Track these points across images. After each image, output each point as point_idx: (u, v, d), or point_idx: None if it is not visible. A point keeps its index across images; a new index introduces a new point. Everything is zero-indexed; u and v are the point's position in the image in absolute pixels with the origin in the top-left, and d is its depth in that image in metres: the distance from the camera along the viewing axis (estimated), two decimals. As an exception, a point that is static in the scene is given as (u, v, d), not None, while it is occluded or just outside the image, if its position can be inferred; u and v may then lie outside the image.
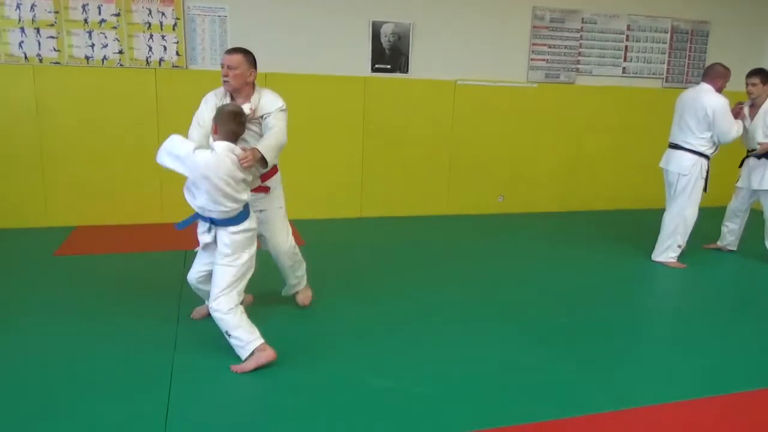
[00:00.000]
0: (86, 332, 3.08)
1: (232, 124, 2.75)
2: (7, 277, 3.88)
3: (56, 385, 2.56)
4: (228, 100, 3.06)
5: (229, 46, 5.28)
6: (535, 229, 5.76)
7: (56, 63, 4.89)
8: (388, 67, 5.70)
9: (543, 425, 2.40)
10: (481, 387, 2.68)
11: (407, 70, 5.76)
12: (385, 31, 5.62)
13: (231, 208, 2.71)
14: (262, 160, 2.88)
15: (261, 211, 3.20)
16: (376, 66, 5.67)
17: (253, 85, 3.10)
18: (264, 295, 3.53)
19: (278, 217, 3.30)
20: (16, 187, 4.98)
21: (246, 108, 2.94)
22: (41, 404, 2.40)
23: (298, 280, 3.52)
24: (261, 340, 2.73)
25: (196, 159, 2.61)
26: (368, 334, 3.21)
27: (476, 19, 5.88)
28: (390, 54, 5.67)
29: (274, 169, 3.23)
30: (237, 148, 2.75)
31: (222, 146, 2.68)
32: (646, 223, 5.64)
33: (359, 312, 3.51)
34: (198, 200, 2.70)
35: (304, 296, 3.57)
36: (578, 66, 6.31)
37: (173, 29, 5.06)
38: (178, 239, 3.71)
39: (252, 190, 3.02)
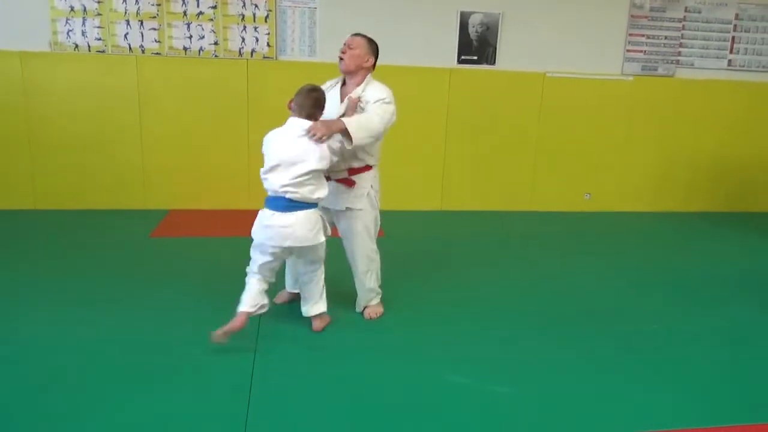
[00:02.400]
0: (177, 308, 3.25)
1: (306, 99, 2.78)
2: (108, 254, 4.16)
3: (151, 355, 2.71)
4: (338, 87, 3.06)
5: (318, 38, 5.47)
6: (624, 229, 5.50)
7: (157, 53, 5.15)
8: (475, 58, 5.60)
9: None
10: (561, 391, 2.59)
11: (494, 62, 5.63)
12: (473, 21, 5.51)
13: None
14: (347, 136, 2.78)
15: (338, 211, 3.10)
16: (463, 57, 5.58)
17: (367, 73, 3.04)
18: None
19: (357, 218, 3.08)
20: (117, 170, 5.31)
21: (355, 94, 2.94)
22: (141, 373, 2.56)
23: (365, 294, 3.27)
24: (244, 308, 2.81)
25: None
26: (447, 329, 3.18)
27: (569, 9, 5.65)
28: (477, 45, 5.56)
29: (366, 167, 3.09)
30: (308, 122, 2.76)
31: (292, 120, 2.79)
32: (758, 227, 5.25)
33: (439, 306, 3.49)
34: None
35: (371, 312, 3.29)
36: (679, 58, 5.93)
37: (265, 21, 5.19)
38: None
39: (335, 180, 3.03)
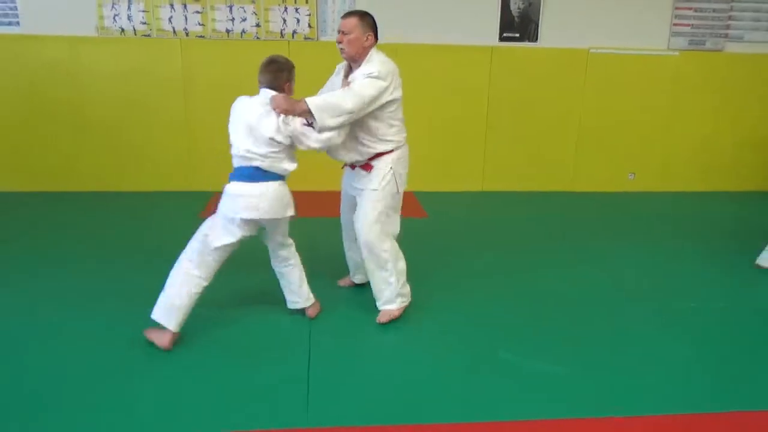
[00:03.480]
0: (232, 286, 3.32)
1: (263, 74, 2.73)
2: (161, 231, 4.29)
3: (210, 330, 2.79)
4: (342, 75, 2.90)
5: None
6: (669, 209, 5.40)
7: (200, 36, 5.20)
8: (517, 35, 5.51)
9: (675, 418, 2.27)
10: (616, 372, 2.58)
11: (536, 39, 5.54)
12: (516, -3, 5.42)
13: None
14: (310, 116, 2.61)
15: (360, 190, 2.92)
16: (504, 35, 5.50)
17: (368, 52, 2.78)
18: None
19: (367, 198, 2.86)
20: (164, 152, 5.41)
21: (352, 78, 2.78)
22: (195, 355, 2.64)
23: (379, 289, 2.94)
24: (172, 327, 2.62)
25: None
26: (494, 310, 3.19)
27: (614, -17, 5.51)
28: (519, 22, 5.48)
29: (387, 152, 2.87)
30: (271, 93, 2.68)
31: (262, 89, 2.73)
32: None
33: (486, 287, 3.49)
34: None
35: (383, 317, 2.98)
36: (728, 31, 5.75)
37: (306, 2, 5.19)
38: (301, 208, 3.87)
39: (352, 165, 2.95)
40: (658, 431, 2.19)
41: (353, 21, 2.74)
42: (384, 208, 2.84)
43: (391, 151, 2.87)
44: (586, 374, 2.55)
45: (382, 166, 2.85)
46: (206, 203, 5.10)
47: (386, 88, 2.72)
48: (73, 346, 2.66)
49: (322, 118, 2.58)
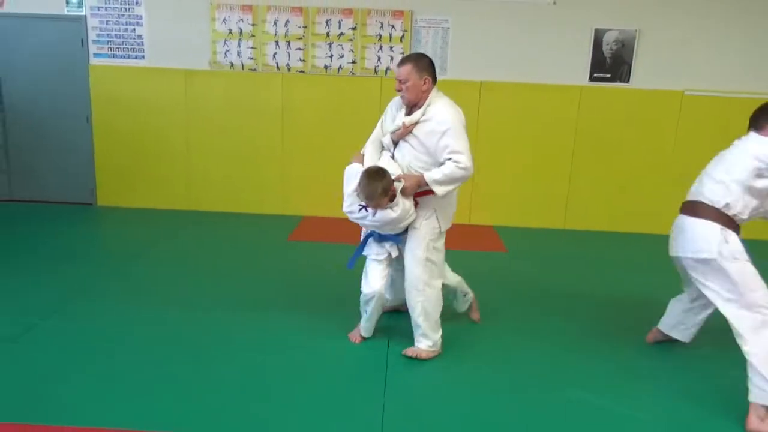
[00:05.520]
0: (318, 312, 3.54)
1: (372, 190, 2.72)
2: (252, 252, 4.60)
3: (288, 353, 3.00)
4: (403, 112, 2.88)
5: (450, 55, 5.65)
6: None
7: (301, 72, 5.59)
8: (608, 76, 5.50)
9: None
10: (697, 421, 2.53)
11: (629, 80, 5.50)
12: (608, 39, 5.43)
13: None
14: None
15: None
16: (595, 75, 5.51)
17: (428, 95, 2.80)
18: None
19: (415, 233, 2.91)
20: (259, 177, 5.81)
21: (410, 120, 2.80)
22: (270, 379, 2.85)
23: (418, 331, 2.97)
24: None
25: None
26: (572, 348, 3.20)
27: (710, 24, 5.39)
28: (611, 62, 5.47)
29: (430, 191, 2.84)
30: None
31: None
32: None
33: (562, 324, 3.50)
34: None
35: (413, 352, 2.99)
36: (840, 76, 5.44)
37: (400, 41, 5.47)
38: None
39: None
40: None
41: (408, 68, 2.75)
42: (425, 246, 2.93)
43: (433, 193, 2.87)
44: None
45: (426, 205, 2.93)
46: (294, 227, 5.43)
47: (467, 167, 2.74)
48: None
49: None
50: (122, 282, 3.87)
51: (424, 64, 2.78)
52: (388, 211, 2.76)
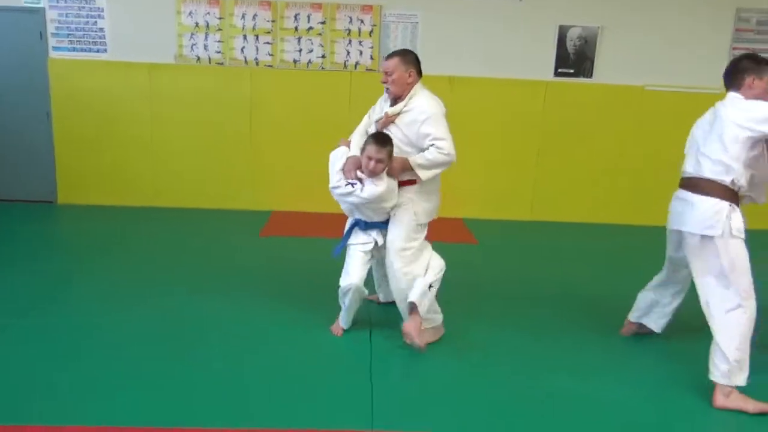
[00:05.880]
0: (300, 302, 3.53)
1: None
2: (224, 248, 4.55)
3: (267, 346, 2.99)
4: (388, 104, 2.99)
5: (419, 50, 5.67)
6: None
7: (269, 66, 5.55)
8: (572, 71, 5.65)
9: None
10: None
11: (591, 75, 5.66)
12: (572, 35, 5.57)
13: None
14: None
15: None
16: (559, 70, 5.65)
17: (411, 88, 2.92)
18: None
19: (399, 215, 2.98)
20: (229, 172, 5.75)
21: (393, 110, 2.90)
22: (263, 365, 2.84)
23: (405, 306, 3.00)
24: None
25: None
26: (550, 336, 3.29)
27: (670, 23, 5.60)
28: (575, 58, 5.62)
29: (409, 182, 2.96)
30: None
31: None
32: None
33: (535, 312, 3.59)
34: None
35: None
36: (787, 72, 5.72)
37: (369, 35, 5.48)
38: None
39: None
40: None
41: (395, 61, 2.89)
42: (411, 222, 3.00)
43: (414, 182, 2.96)
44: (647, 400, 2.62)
45: (404, 194, 2.99)
46: (265, 222, 5.39)
47: (450, 153, 2.86)
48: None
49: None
50: (87, 283, 3.74)
51: (410, 59, 2.91)
52: (374, 186, 2.81)
